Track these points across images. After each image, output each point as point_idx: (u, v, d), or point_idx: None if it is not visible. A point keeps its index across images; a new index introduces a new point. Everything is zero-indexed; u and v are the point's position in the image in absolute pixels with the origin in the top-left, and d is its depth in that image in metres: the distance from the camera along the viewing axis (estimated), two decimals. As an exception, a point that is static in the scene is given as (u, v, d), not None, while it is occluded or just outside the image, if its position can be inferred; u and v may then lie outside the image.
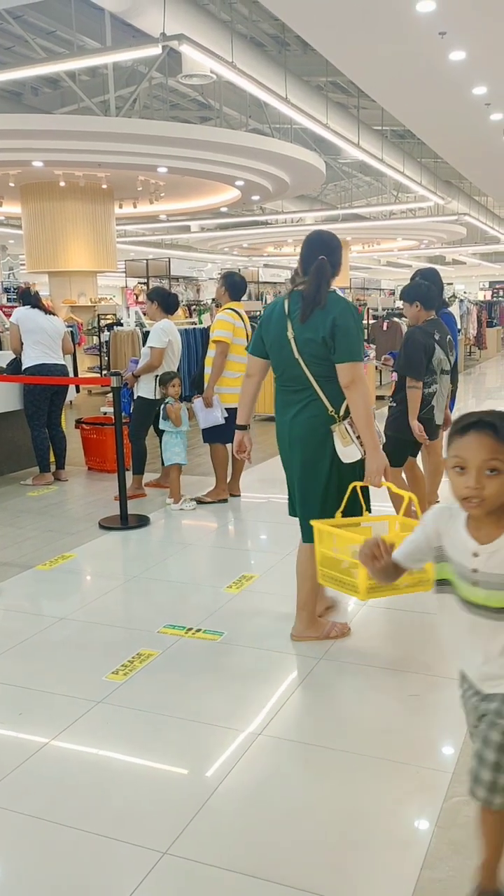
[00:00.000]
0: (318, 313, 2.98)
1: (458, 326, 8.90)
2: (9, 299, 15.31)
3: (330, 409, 3.03)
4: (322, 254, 3.06)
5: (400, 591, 2.80)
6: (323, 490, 3.10)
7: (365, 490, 3.14)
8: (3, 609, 3.76)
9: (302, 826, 2.12)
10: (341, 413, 3.03)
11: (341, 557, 2.92)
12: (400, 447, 4.42)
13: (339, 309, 2.98)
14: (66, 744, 2.55)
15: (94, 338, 13.48)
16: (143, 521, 5.13)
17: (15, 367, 6.26)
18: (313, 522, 3.02)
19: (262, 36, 12.45)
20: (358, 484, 3.07)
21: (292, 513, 3.32)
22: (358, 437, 3.00)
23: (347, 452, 3.01)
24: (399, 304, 8.07)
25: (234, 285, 5.55)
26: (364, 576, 2.73)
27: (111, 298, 19.87)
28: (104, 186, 13.35)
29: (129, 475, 5.52)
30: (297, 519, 3.28)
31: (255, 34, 12.12)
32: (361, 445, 3.00)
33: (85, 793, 2.29)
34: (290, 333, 3.03)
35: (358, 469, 3.07)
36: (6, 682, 2.99)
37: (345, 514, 3.08)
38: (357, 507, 3.12)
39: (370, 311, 13.38)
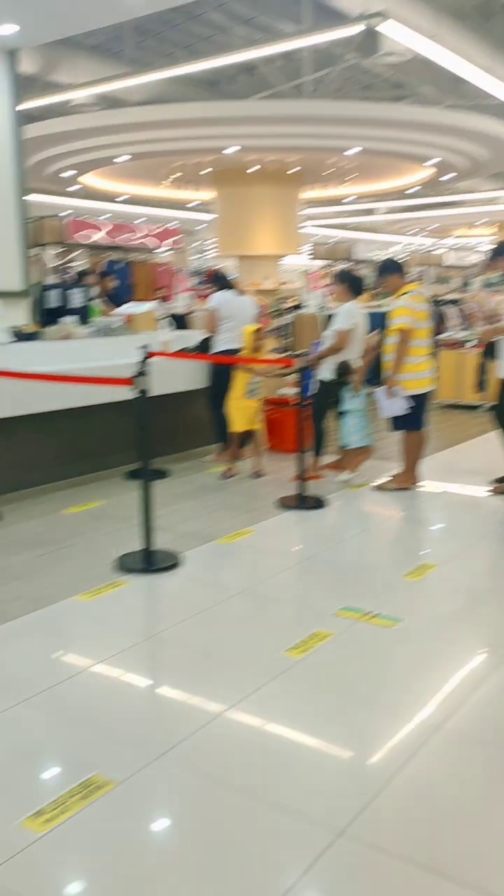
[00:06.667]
0: None
1: None
2: (200, 283, 15.85)
3: None
4: None
5: None
6: None
7: None
8: (184, 578, 3.91)
9: (479, 826, 2.03)
10: None
11: None
12: None
13: None
14: (242, 714, 2.61)
15: (277, 320, 13.68)
16: (320, 503, 5.15)
17: (204, 347, 6.47)
18: None
19: (465, 7, 11.90)
20: None
21: None
22: None
23: None
24: None
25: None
26: None
27: (293, 282, 20.07)
28: (294, 170, 13.46)
29: (308, 457, 5.55)
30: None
31: (459, 6, 11.61)
32: None
33: (259, 765, 2.33)
34: None
35: None
36: (186, 649, 3.11)
37: None
38: None
39: None
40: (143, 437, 3.98)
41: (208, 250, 24.03)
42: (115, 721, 2.55)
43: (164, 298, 11.36)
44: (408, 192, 17.36)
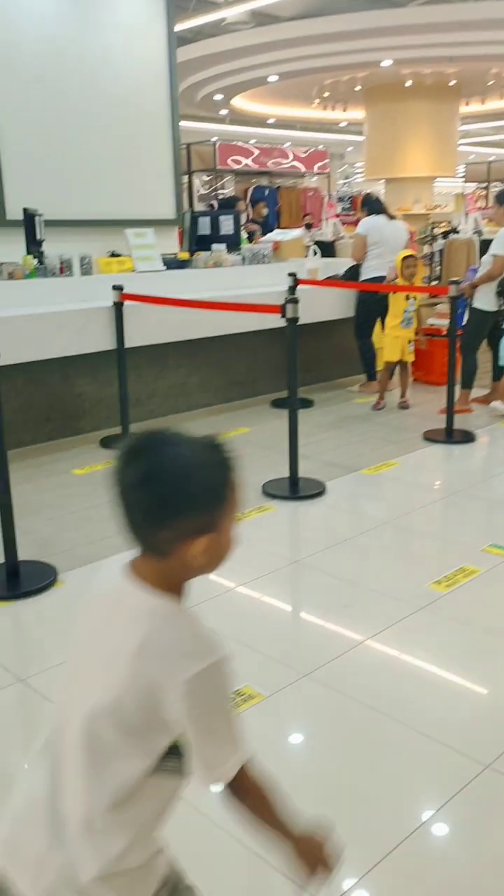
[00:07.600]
0: None
1: None
2: (343, 209, 15.38)
3: None
4: None
5: None
6: None
7: None
8: (328, 507, 3.94)
9: None
10: None
11: None
12: None
13: None
14: (385, 644, 2.63)
15: (426, 246, 13.11)
16: (468, 437, 4.99)
17: (352, 275, 6.32)
18: None
19: None
20: None
21: None
22: None
23: None
24: None
25: None
26: None
27: (444, 206, 19.09)
28: (452, 83, 12.62)
29: (458, 389, 5.36)
30: None
31: None
32: None
33: (402, 694, 2.35)
34: None
35: None
36: (330, 576, 3.15)
37: None
38: None
39: None
40: (291, 365, 3.98)
41: (355, 174, 23.23)
42: (260, 640, 2.65)
43: (311, 225, 11.15)
44: None
